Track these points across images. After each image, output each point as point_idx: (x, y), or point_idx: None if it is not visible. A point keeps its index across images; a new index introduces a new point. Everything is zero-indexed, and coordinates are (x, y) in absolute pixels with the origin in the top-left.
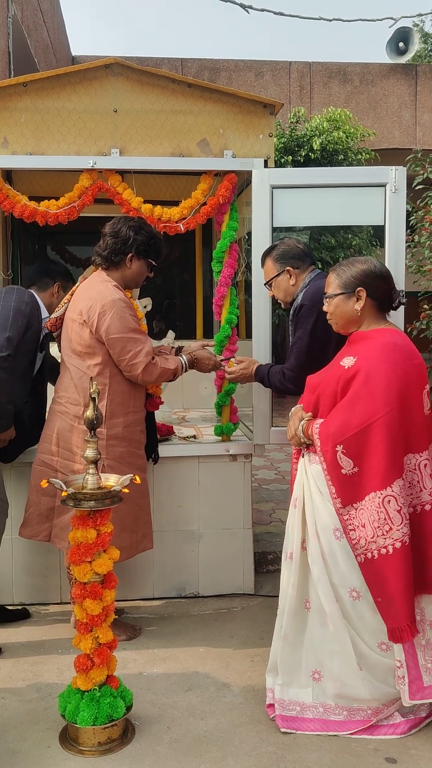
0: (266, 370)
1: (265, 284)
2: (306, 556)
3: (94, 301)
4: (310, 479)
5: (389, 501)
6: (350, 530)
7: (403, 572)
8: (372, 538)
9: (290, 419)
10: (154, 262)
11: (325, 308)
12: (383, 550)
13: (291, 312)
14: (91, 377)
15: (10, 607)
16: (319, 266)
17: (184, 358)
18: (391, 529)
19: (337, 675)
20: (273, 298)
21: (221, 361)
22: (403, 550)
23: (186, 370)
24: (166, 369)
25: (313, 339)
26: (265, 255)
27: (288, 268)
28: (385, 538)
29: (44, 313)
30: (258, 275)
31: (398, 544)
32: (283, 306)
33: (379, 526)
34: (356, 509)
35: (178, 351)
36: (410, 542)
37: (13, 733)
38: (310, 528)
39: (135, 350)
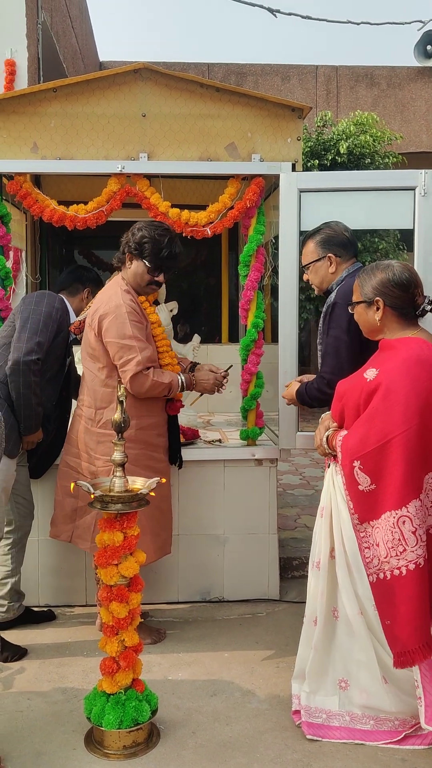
0: (303, 389)
1: (303, 267)
2: (334, 564)
3: (101, 304)
4: (337, 490)
5: (404, 521)
6: (365, 548)
7: (415, 595)
8: (385, 558)
9: (318, 426)
10: (147, 264)
11: (305, 277)
12: (396, 571)
13: (324, 309)
14: (119, 381)
15: (35, 609)
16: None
17: (182, 377)
18: (405, 550)
19: (364, 685)
20: (307, 283)
21: (222, 375)
22: (417, 572)
23: (183, 389)
24: (158, 382)
25: (350, 338)
26: (308, 237)
27: (330, 254)
28: (398, 559)
29: (73, 317)
30: (285, 279)
31: (412, 566)
32: (316, 292)
33: (392, 547)
34: (372, 527)
35: (192, 368)
36: (426, 564)
37: (39, 735)
38: (337, 538)
39: (126, 357)
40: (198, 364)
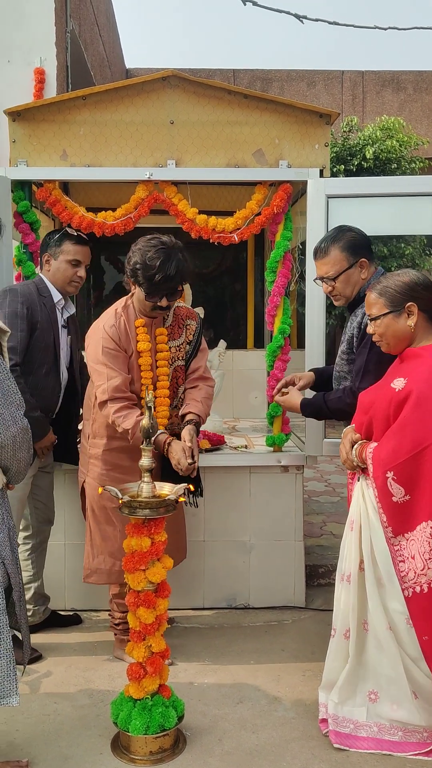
0: (321, 401)
1: (331, 279)
2: (363, 578)
3: (98, 319)
4: (368, 502)
5: None
6: (399, 561)
7: None
8: (422, 570)
9: (342, 440)
10: (143, 291)
11: (370, 331)
12: None
13: (357, 325)
14: (147, 386)
15: (62, 613)
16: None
17: (157, 433)
18: None
19: (393, 699)
20: (327, 296)
21: (189, 464)
22: None
23: (149, 443)
24: (116, 422)
25: (390, 357)
26: (330, 244)
27: (363, 259)
28: None
29: (55, 296)
30: (312, 284)
31: None
32: (341, 303)
33: (430, 558)
34: (407, 539)
35: (190, 422)
36: None
37: (65, 738)
38: (366, 551)
39: (97, 383)
40: (193, 421)
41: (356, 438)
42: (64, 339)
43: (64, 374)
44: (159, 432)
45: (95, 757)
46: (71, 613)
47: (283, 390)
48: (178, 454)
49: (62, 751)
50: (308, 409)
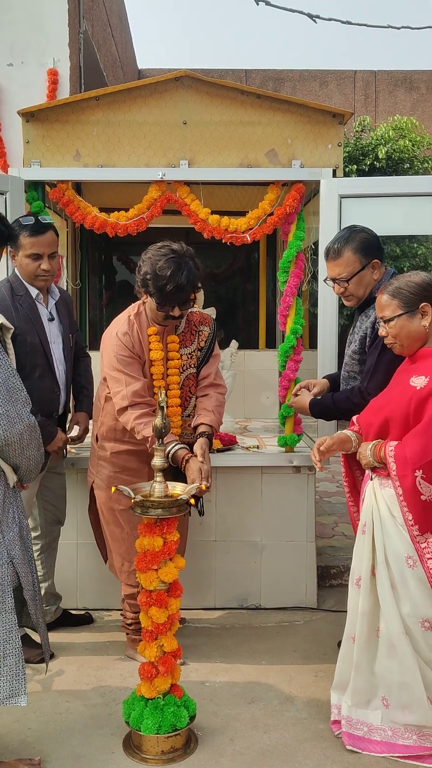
0: (329, 401)
1: (344, 281)
2: (375, 583)
3: (111, 324)
4: (380, 503)
5: None
6: (428, 559)
7: None
8: None
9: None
10: (155, 301)
11: (382, 333)
12: None
13: (370, 325)
14: (160, 386)
15: (74, 612)
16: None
17: (176, 447)
18: None
19: (404, 705)
20: (339, 297)
21: (201, 486)
22: None
23: (167, 455)
24: (135, 428)
25: (400, 358)
26: (343, 245)
27: (375, 260)
28: None
29: (32, 291)
30: (324, 285)
31: None
32: (353, 304)
33: None
34: None
35: (203, 434)
36: None
37: (78, 737)
38: (380, 555)
39: (114, 389)
40: (206, 434)
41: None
42: (54, 333)
43: (60, 370)
44: (179, 446)
45: (107, 756)
46: (83, 612)
47: (296, 393)
48: (194, 474)
49: (74, 749)
50: (316, 408)
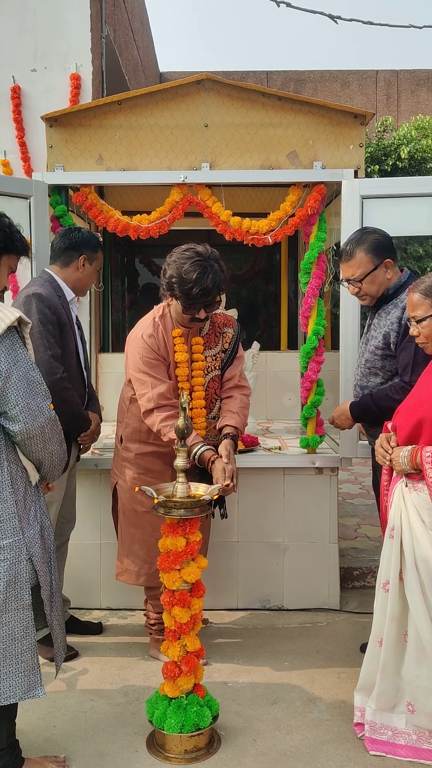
0: (368, 400)
1: (357, 281)
2: (404, 587)
3: (136, 325)
4: (410, 507)
5: None
6: None
7: None
8: None
9: (380, 443)
10: (180, 304)
11: (413, 332)
12: None
13: (396, 320)
14: (182, 388)
15: (93, 613)
16: None
17: (203, 449)
18: None
19: (430, 712)
20: (356, 296)
21: (223, 485)
22: None
23: (193, 456)
24: (162, 431)
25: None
26: (355, 247)
27: (388, 260)
28: None
29: (69, 294)
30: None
31: None
32: (369, 302)
33: None
34: None
35: (227, 436)
36: None
37: (102, 735)
38: (408, 559)
39: (140, 392)
40: (230, 435)
41: (393, 439)
42: (79, 338)
43: (84, 376)
44: (205, 448)
45: (131, 755)
46: (102, 614)
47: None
48: (218, 474)
49: (98, 747)
50: (356, 409)
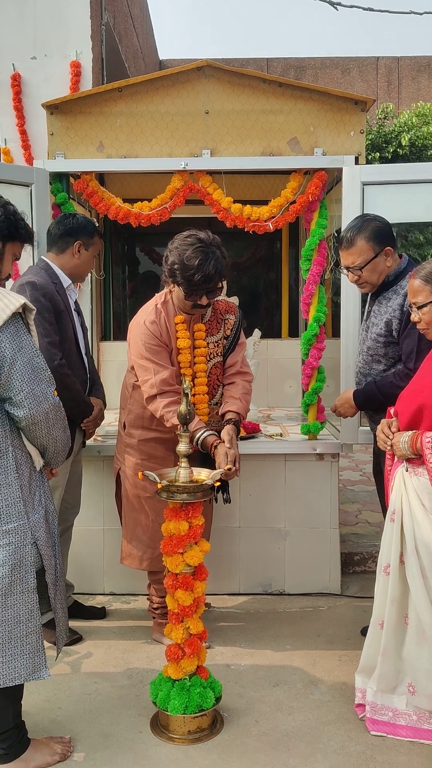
0: (372, 387)
1: (358, 269)
2: (404, 570)
3: (139, 312)
4: (410, 492)
5: None
6: None
7: None
8: None
9: (382, 428)
10: (182, 291)
11: (414, 318)
12: None
13: (398, 307)
14: (184, 374)
15: (97, 597)
16: None
17: (205, 434)
18: None
19: (430, 693)
20: (355, 284)
21: (229, 470)
22: None
23: (196, 441)
24: (165, 416)
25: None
26: (356, 234)
27: (388, 248)
28: None
29: (65, 281)
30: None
31: None
32: (368, 289)
33: None
34: None
35: (230, 421)
36: None
37: (106, 717)
38: (409, 542)
39: (143, 378)
40: (233, 420)
41: (394, 425)
42: (78, 324)
43: (85, 360)
44: (208, 433)
45: (135, 735)
46: (106, 599)
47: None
48: (221, 458)
49: (103, 728)
50: (360, 397)
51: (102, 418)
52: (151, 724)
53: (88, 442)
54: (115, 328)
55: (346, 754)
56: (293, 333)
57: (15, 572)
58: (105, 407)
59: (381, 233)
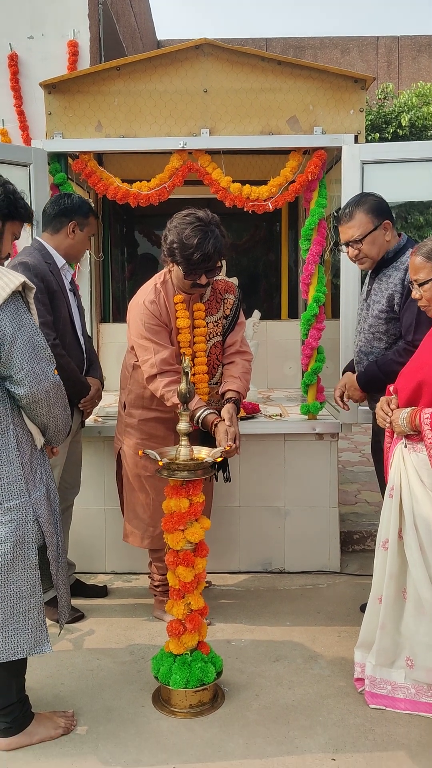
0: (373, 367)
1: (357, 241)
2: (403, 545)
3: (138, 292)
4: (409, 468)
5: None
6: None
7: None
8: None
9: (381, 405)
10: (181, 270)
11: (416, 295)
12: None
13: (399, 281)
14: (184, 354)
15: (97, 577)
16: None
17: (206, 412)
18: None
19: (429, 666)
20: (354, 260)
21: (226, 447)
22: None
23: (196, 420)
24: (165, 396)
25: None
26: (354, 207)
27: (386, 221)
28: None
29: (59, 261)
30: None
31: None
32: (368, 266)
33: None
34: None
35: (229, 400)
36: None
37: (108, 692)
38: (408, 518)
39: (143, 358)
40: (234, 399)
41: (394, 402)
42: (74, 305)
43: (81, 341)
44: (208, 411)
45: (137, 709)
46: (107, 578)
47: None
48: (221, 436)
49: (105, 703)
50: (363, 378)
51: (99, 397)
52: (153, 698)
53: (89, 422)
54: (114, 309)
55: (346, 727)
56: (293, 314)
57: (17, 549)
58: (103, 387)
59: (379, 206)
